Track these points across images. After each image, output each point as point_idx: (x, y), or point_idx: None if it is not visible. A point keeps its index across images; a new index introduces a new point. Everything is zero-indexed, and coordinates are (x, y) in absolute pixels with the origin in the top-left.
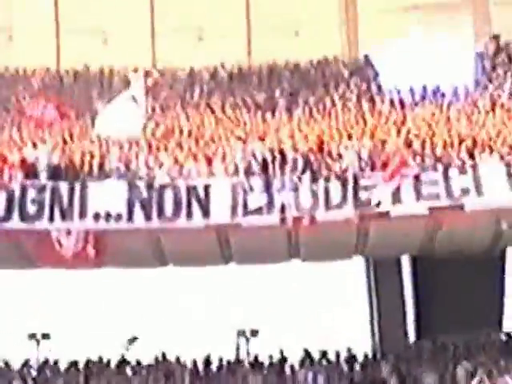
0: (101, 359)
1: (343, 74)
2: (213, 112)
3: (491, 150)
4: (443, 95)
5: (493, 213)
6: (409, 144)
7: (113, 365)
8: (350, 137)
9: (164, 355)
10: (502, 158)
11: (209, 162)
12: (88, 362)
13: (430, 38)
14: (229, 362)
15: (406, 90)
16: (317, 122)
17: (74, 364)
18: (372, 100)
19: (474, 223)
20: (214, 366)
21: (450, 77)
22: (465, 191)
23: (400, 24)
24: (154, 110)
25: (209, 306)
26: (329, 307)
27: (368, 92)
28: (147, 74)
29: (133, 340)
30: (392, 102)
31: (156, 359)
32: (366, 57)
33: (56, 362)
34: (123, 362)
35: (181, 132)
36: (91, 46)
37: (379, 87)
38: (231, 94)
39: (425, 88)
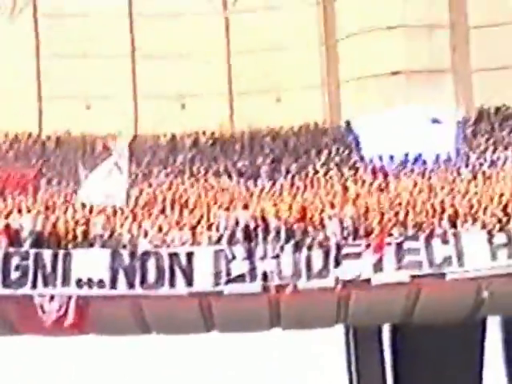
0: None
1: (325, 140)
2: (196, 179)
3: (473, 219)
4: (425, 163)
5: (474, 281)
6: (391, 212)
7: None
8: (332, 205)
9: None
10: (483, 226)
11: (192, 229)
12: None
13: (412, 105)
14: None
15: (387, 157)
16: (299, 190)
17: None
18: (354, 167)
19: (455, 292)
20: None
21: (432, 144)
22: (446, 260)
23: (382, 90)
24: (136, 176)
25: (189, 373)
26: (308, 375)
27: (350, 159)
28: (130, 140)
29: None
30: (374, 170)
31: None
32: (348, 123)
33: None
34: None
35: (164, 200)
36: (74, 112)
37: (361, 154)
38: (214, 161)
39: (407, 155)
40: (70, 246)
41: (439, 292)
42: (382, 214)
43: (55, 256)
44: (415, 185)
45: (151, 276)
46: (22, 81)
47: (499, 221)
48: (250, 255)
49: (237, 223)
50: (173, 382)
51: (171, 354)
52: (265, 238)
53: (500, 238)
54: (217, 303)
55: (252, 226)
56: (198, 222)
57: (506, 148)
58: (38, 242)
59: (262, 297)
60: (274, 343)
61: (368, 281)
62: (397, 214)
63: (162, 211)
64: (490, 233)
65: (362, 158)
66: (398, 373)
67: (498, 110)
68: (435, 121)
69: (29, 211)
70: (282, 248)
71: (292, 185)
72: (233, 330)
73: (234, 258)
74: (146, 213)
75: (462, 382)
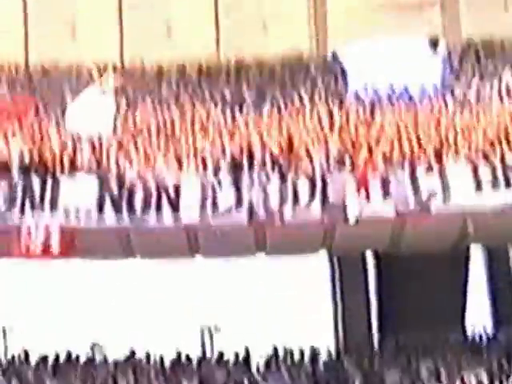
0: (69, 354)
1: (311, 71)
2: (182, 108)
3: (458, 153)
4: (411, 96)
5: (459, 215)
6: (377, 144)
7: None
8: (318, 137)
9: (133, 352)
10: (468, 160)
11: (178, 159)
12: (57, 356)
13: (399, 37)
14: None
15: (373, 89)
16: (285, 120)
17: (43, 359)
18: (340, 98)
19: (440, 225)
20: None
21: (418, 77)
22: (431, 194)
23: (369, 22)
24: (122, 106)
25: (174, 302)
26: (292, 304)
27: (336, 90)
28: (115, 69)
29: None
30: (360, 102)
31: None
32: (334, 54)
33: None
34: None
35: (149, 129)
36: (60, 41)
37: (347, 85)
38: (200, 91)
39: (392, 87)
40: (57, 174)
41: (425, 225)
42: (368, 147)
43: (44, 183)
44: (401, 117)
45: (138, 206)
46: (7, 9)
47: (484, 155)
48: (236, 186)
49: (223, 153)
50: (157, 307)
51: (156, 278)
52: (251, 169)
53: (485, 173)
54: (203, 230)
55: (238, 155)
56: (184, 152)
57: (492, 81)
58: (26, 170)
59: (248, 226)
60: (258, 270)
61: None
62: (381, 145)
63: (148, 141)
64: (474, 168)
65: (347, 90)
66: (382, 300)
67: (484, 42)
68: (433, 43)
69: (15, 140)
70: (268, 178)
71: (278, 114)
72: (217, 256)
73: (220, 187)
74: (132, 142)
75: (445, 308)
